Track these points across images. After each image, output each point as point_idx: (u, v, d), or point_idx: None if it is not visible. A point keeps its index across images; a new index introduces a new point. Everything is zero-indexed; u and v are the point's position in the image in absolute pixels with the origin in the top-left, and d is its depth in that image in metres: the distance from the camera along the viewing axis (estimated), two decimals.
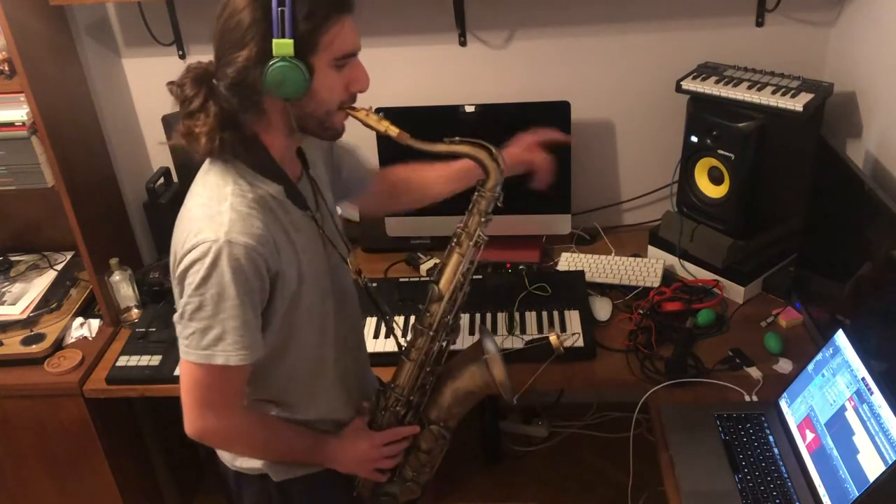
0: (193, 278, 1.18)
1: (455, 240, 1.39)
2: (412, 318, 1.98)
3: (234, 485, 1.51)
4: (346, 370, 1.49)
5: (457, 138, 1.32)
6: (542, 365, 1.69)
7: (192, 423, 1.29)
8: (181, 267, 1.20)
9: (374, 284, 1.53)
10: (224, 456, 1.48)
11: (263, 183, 1.26)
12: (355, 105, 1.27)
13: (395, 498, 1.54)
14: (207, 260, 1.17)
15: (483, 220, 1.37)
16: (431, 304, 1.40)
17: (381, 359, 1.71)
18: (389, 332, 1.53)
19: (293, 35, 1.13)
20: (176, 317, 1.24)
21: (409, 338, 1.45)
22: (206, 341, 1.21)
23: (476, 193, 1.37)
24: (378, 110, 1.28)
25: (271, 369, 1.36)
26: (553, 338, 1.47)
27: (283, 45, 1.13)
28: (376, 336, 1.97)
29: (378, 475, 1.48)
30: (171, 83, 1.23)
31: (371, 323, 2.00)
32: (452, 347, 1.47)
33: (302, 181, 1.36)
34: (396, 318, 2.01)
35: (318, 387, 1.44)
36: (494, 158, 1.33)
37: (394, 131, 1.27)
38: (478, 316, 2.01)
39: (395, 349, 1.50)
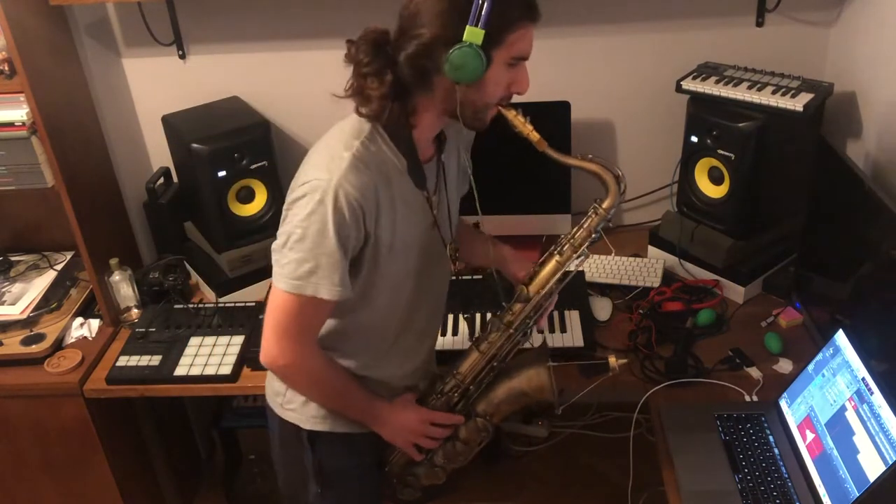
0: (301, 210, 1.27)
1: (557, 248, 1.44)
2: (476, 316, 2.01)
3: (275, 431, 1.61)
4: (407, 348, 1.53)
5: (590, 156, 1.36)
6: (594, 381, 1.74)
7: (268, 349, 1.38)
8: (294, 196, 1.29)
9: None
10: (271, 401, 1.59)
11: (391, 152, 1.34)
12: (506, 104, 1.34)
13: (419, 479, 1.58)
14: (317, 196, 1.25)
15: (592, 236, 1.41)
16: (516, 304, 1.46)
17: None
18: (463, 319, 1.60)
19: (486, 26, 1.20)
20: (276, 244, 1.32)
21: (484, 331, 1.50)
22: (301, 272, 1.29)
23: (591, 210, 1.41)
24: (526, 114, 1.34)
25: (337, 319, 1.44)
26: (612, 359, 1.52)
27: (474, 33, 1.21)
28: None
29: (414, 451, 1.53)
30: (349, 41, 1.31)
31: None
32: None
33: (431, 164, 1.43)
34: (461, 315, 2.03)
35: (368, 350, 1.49)
36: (619, 182, 1.38)
37: (535, 136, 1.33)
38: (478, 316, 2.01)
39: (457, 348, 1.57)
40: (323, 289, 1.29)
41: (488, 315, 2.00)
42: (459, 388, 1.50)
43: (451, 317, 1.99)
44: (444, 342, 1.91)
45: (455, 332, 1.97)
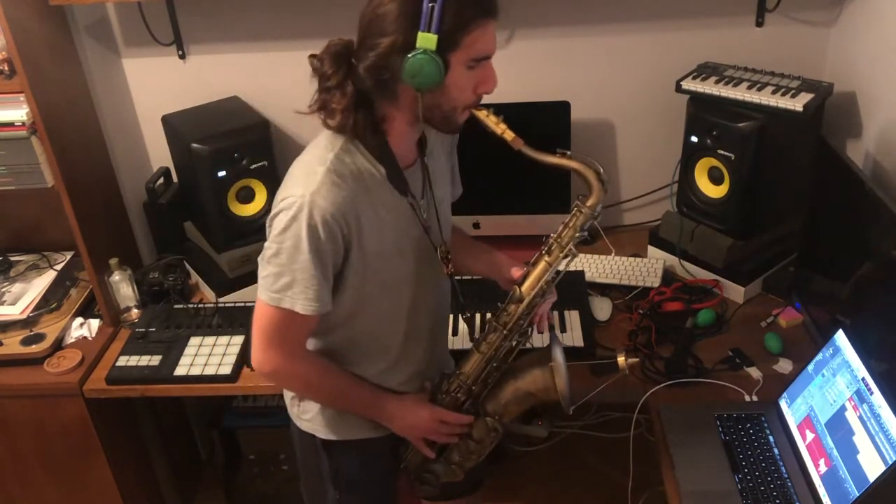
0: (277, 226, 1.29)
1: (546, 248, 1.44)
2: (476, 316, 2.02)
3: (295, 438, 1.65)
4: (413, 353, 1.54)
5: (568, 153, 1.35)
6: (603, 381, 1.76)
7: (256, 356, 1.40)
8: (273, 212, 1.31)
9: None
10: (290, 410, 1.62)
11: (368, 162, 1.34)
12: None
13: (438, 477, 1.60)
14: (291, 213, 1.27)
15: (577, 234, 1.41)
16: (510, 305, 1.46)
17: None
18: (463, 320, 1.61)
19: (438, 31, 1.19)
20: (260, 256, 1.34)
21: (483, 331, 1.50)
22: (278, 286, 1.31)
23: (575, 208, 1.41)
24: (498, 113, 1.33)
25: (334, 332, 1.46)
26: (621, 359, 1.52)
27: (426, 39, 1.19)
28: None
29: (425, 447, 1.55)
30: (312, 56, 1.31)
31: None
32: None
33: (414, 168, 1.43)
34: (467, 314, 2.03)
35: (376, 358, 1.52)
36: (601, 179, 1.37)
37: (509, 135, 1.33)
38: (478, 316, 2.01)
39: (464, 348, 1.55)
40: (298, 304, 1.31)
41: (487, 315, 2.00)
42: (463, 388, 1.51)
43: (451, 317, 1.99)
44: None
45: (455, 333, 1.98)
